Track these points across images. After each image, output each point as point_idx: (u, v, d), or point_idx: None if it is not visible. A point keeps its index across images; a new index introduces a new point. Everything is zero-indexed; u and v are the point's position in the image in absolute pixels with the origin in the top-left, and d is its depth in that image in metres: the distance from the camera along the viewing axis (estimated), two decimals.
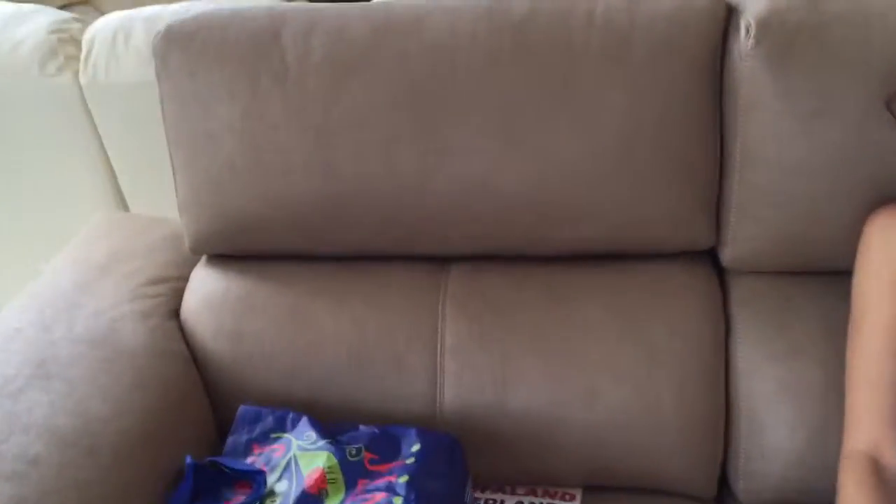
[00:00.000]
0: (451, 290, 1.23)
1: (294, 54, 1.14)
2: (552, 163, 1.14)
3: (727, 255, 1.20)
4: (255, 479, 1.09)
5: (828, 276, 1.16)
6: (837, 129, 1.05)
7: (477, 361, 1.18)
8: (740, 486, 1.19)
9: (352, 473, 1.07)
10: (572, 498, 1.22)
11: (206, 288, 1.28)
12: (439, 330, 1.20)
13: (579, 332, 1.18)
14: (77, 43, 1.64)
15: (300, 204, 1.19)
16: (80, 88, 1.62)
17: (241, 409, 1.19)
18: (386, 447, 1.11)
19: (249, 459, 1.14)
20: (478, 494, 1.22)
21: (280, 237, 1.24)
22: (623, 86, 1.09)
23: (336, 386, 1.19)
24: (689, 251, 1.23)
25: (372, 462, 1.10)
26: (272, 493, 1.07)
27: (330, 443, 1.09)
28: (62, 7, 2.38)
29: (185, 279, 1.33)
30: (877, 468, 1.01)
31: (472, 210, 1.18)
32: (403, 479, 1.05)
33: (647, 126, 1.12)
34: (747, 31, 1.05)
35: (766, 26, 1.03)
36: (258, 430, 1.17)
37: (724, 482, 1.23)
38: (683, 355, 1.17)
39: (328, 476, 1.06)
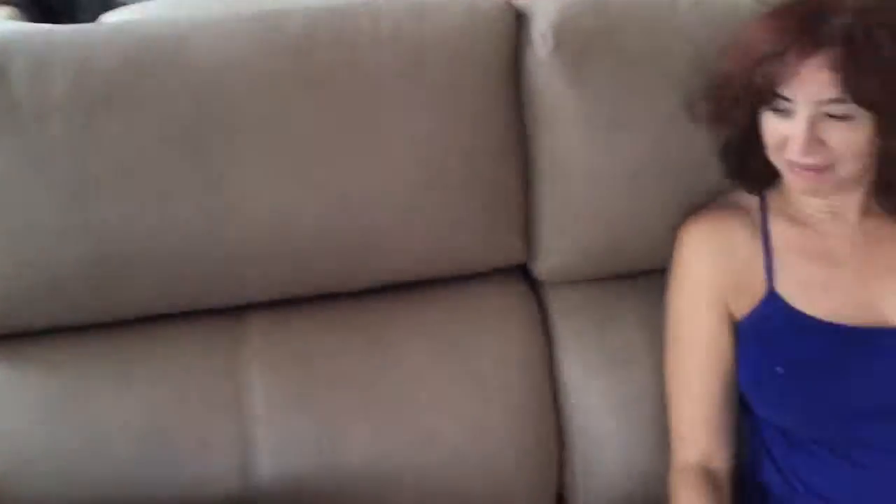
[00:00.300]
0: (253, 345, 1.09)
1: (27, 93, 0.94)
2: (353, 194, 1.03)
3: (541, 269, 1.16)
4: None
5: (644, 278, 1.15)
6: (640, 138, 1.04)
7: (294, 425, 1.05)
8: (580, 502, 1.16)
9: None
10: None
11: None
12: (245, 395, 1.06)
13: (404, 375, 1.08)
14: None
15: (58, 271, 0.99)
16: None
17: None
18: None
19: None
20: None
21: (37, 310, 1.03)
22: (421, 105, 1.01)
23: (128, 484, 1.00)
24: (503, 268, 1.17)
25: None
26: None
27: None
28: None
29: None
30: (709, 476, 1.01)
31: (269, 254, 1.05)
32: None
33: (450, 146, 1.04)
34: (543, 38, 1.01)
35: (561, 33, 0.99)
36: None
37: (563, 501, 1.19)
38: (511, 382, 1.12)
39: None
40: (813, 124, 0.89)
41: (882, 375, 0.94)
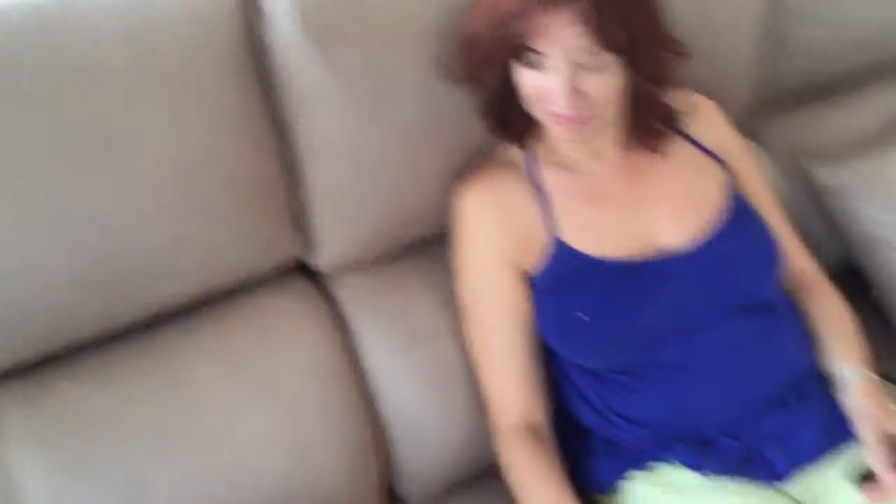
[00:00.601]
0: (10, 420, 0.91)
1: None
2: (101, 222, 0.89)
3: (321, 260, 1.10)
4: None
5: (431, 248, 1.13)
6: (402, 107, 1.00)
7: (85, 498, 0.90)
8: (410, 489, 1.13)
9: None
10: None
11: None
12: (15, 481, 0.89)
13: (200, 407, 0.97)
14: None
15: None
16: None
17: None
18: None
19: None
20: None
21: None
22: (158, 106, 0.89)
23: None
24: (283, 270, 1.09)
25: None
26: None
27: None
28: None
29: None
30: (534, 432, 1.03)
31: (8, 309, 0.87)
32: None
33: (198, 146, 0.94)
34: (288, 18, 0.92)
35: (307, 10, 0.92)
36: None
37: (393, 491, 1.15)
38: (315, 386, 1.05)
39: None
40: (570, 76, 0.90)
41: (672, 299, 0.99)
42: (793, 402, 1.02)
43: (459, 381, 1.09)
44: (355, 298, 1.11)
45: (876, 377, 1.04)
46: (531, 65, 0.92)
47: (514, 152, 1.06)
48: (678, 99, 1.06)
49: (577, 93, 0.91)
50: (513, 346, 1.04)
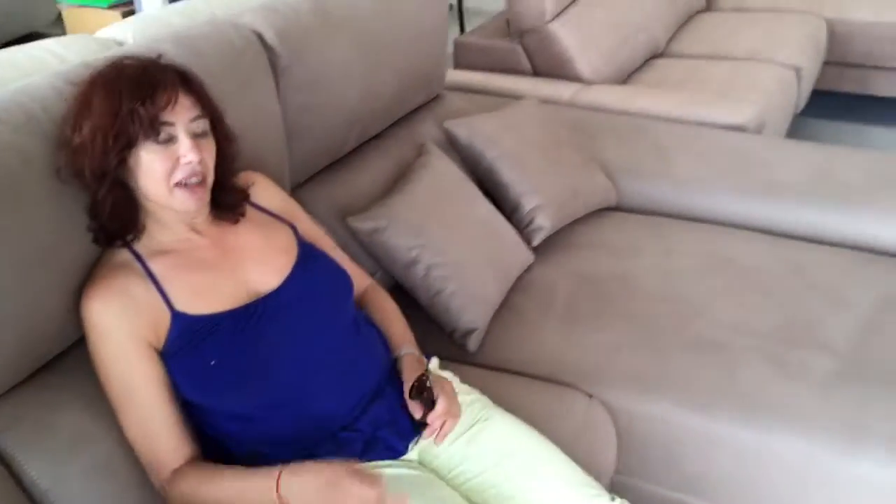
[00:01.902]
0: None
1: None
2: None
3: None
4: None
5: (67, 359, 1.23)
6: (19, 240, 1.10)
7: None
8: None
9: None
10: None
11: None
12: None
13: None
14: None
15: None
16: None
17: None
18: None
19: None
20: None
21: None
22: None
23: None
24: None
25: None
26: None
27: None
28: None
29: None
30: (193, 460, 1.22)
31: None
32: None
33: None
34: None
35: None
36: None
37: None
38: None
39: None
40: (192, 139, 1.18)
41: (279, 329, 1.24)
42: (388, 390, 1.34)
43: (127, 469, 1.21)
44: (3, 429, 1.16)
45: (417, 349, 1.42)
46: (160, 141, 1.15)
47: (120, 254, 1.22)
48: (240, 178, 1.36)
49: (198, 153, 1.18)
50: (168, 416, 1.20)
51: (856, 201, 2.05)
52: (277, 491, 1.11)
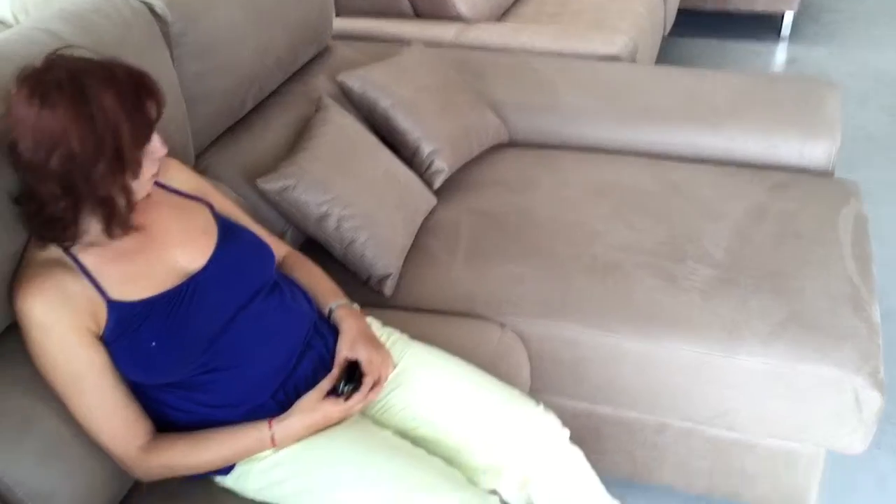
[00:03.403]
0: None
1: None
2: None
3: None
4: None
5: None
6: None
7: None
8: None
9: None
10: None
11: None
12: None
13: None
14: None
15: None
16: None
17: None
18: None
19: None
20: None
21: None
22: None
23: None
24: None
25: None
26: None
27: None
28: None
29: None
30: (154, 437, 1.29)
31: None
32: None
33: None
34: None
35: None
36: None
37: None
38: None
39: None
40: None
41: (209, 303, 1.31)
42: (316, 342, 1.43)
43: (77, 446, 1.26)
44: None
45: (347, 300, 1.52)
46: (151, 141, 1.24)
47: (49, 250, 1.24)
48: None
49: None
50: (117, 398, 1.25)
51: (722, 120, 2.24)
52: (273, 440, 1.30)
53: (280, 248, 1.57)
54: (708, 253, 1.82)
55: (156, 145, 1.25)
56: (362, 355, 1.40)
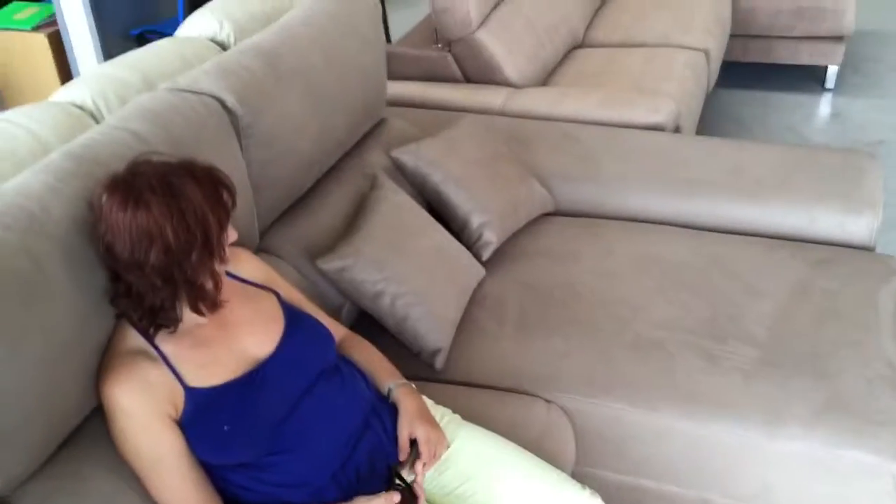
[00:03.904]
0: None
1: None
2: None
3: None
4: None
5: (84, 430, 1.36)
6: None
7: None
8: None
9: None
10: None
11: None
12: None
13: None
14: None
15: None
16: None
17: None
18: None
19: None
20: None
21: None
22: None
23: None
24: None
25: None
26: None
27: None
28: None
29: None
30: None
31: None
32: None
33: None
34: None
35: None
36: None
37: None
38: None
39: None
40: None
41: (278, 388, 1.41)
42: (374, 422, 1.52)
43: None
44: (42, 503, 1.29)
45: (405, 379, 1.61)
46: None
47: (133, 338, 1.35)
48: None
49: None
50: (192, 478, 1.34)
51: (764, 193, 2.29)
52: None
53: (338, 331, 1.67)
54: (749, 333, 1.88)
55: (230, 231, 1.37)
56: (420, 434, 1.49)
